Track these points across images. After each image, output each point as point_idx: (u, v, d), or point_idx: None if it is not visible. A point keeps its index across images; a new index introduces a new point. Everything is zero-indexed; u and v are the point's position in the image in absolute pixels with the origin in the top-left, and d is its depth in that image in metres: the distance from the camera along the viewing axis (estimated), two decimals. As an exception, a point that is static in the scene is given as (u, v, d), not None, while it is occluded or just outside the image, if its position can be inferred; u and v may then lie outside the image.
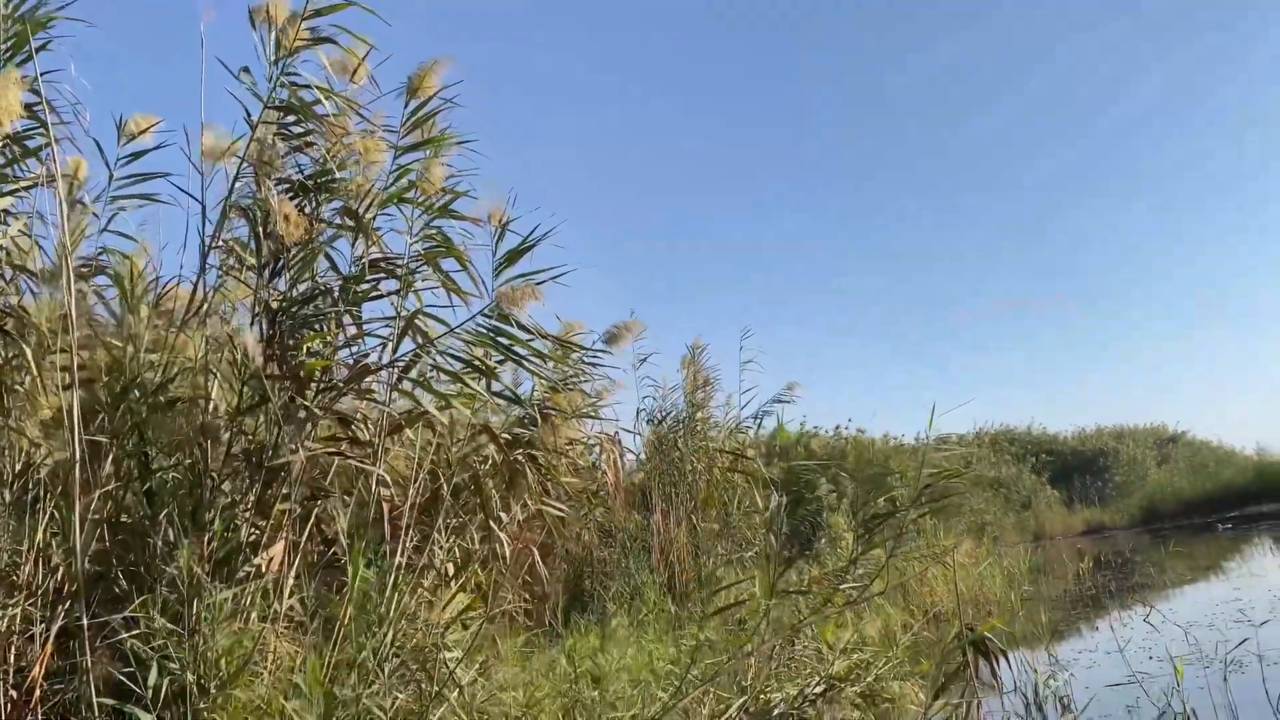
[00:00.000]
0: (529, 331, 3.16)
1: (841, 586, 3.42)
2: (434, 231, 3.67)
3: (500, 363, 3.55)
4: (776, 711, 3.49)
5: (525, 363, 3.35)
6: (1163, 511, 23.19)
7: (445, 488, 4.46)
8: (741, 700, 3.60)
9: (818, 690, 3.52)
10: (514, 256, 3.67)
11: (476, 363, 3.34)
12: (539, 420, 4.71)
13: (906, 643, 3.98)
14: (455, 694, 3.83)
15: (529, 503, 4.80)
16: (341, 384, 3.47)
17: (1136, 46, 36.80)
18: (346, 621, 3.45)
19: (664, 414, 11.78)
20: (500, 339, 3.12)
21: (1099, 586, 10.18)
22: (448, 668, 3.78)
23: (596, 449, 6.85)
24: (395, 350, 3.42)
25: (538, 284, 3.48)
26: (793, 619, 4.52)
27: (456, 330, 3.27)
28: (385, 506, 3.59)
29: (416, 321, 3.45)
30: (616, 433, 12.03)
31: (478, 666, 4.14)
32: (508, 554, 4.68)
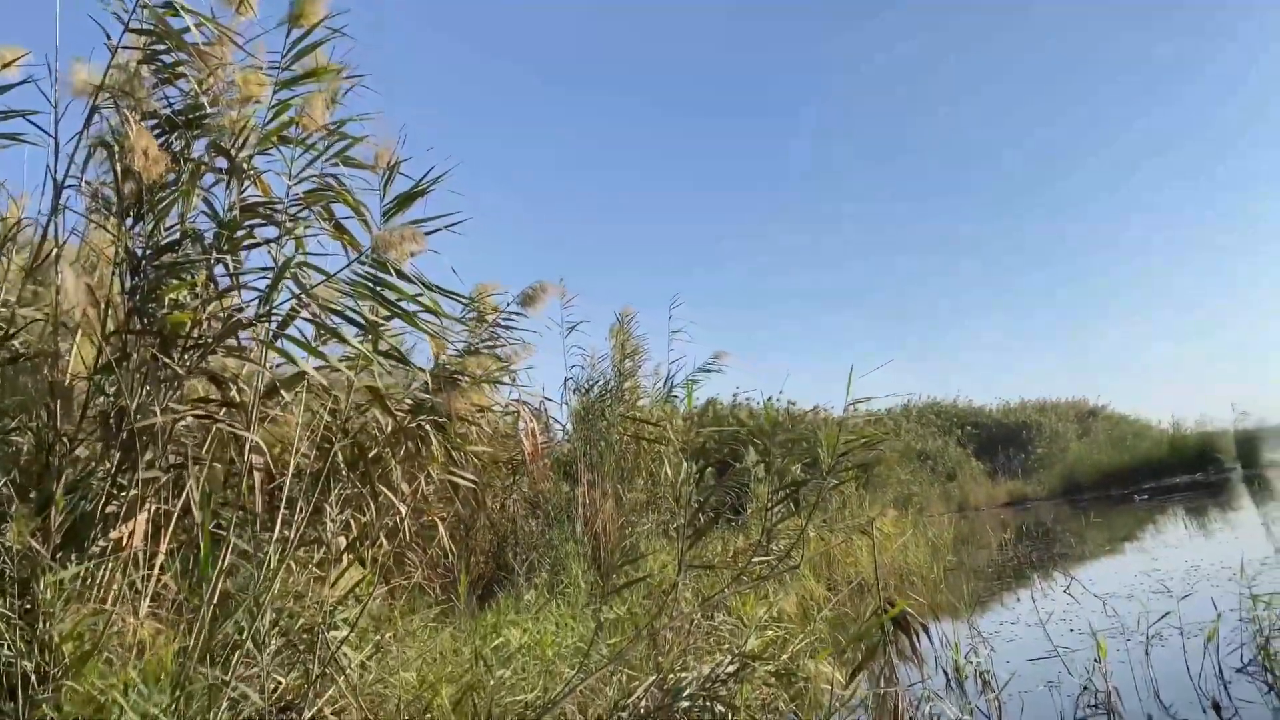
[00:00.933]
0: (411, 281, 2.85)
1: (757, 559, 3.21)
2: (318, 174, 3.33)
3: (387, 319, 3.23)
4: (687, 692, 3.28)
5: (414, 319, 3.03)
6: (1083, 483, 23.79)
7: (339, 456, 4.16)
8: (651, 680, 3.38)
9: (730, 669, 3.32)
10: (404, 201, 3.35)
11: (357, 316, 3.01)
12: (438, 385, 4.41)
13: (825, 616, 3.80)
14: (344, 676, 3.55)
15: (433, 473, 4.51)
16: (211, 340, 3.13)
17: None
18: (214, 600, 3.13)
19: (591, 383, 11.56)
20: (380, 289, 2.81)
21: (1021, 557, 10.27)
22: (339, 648, 3.49)
23: (515, 417, 6.56)
24: (268, 303, 3.08)
25: (429, 232, 3.18)
26: (710, 592, 4.32)
27: (332, 280, 2.94)
28: (259, 476, 3.26)
29: (296, 272, 3.12)
30: (541, 402, 11.77)
31: (372, 647, 3.86)
32: (408, 527, 4.39)
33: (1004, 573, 9.01)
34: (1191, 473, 21.78)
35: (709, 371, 11.89)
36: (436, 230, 3.29)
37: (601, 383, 11.47)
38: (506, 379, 4.96)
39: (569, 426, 11.37)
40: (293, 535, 3.94)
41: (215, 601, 3.15)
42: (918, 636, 3.99)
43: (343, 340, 3.01)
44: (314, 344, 3.25)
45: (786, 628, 3.59)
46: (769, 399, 29.55)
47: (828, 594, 6.82)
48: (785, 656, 3.38)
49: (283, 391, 3.26)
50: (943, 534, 12.16)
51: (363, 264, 2.87)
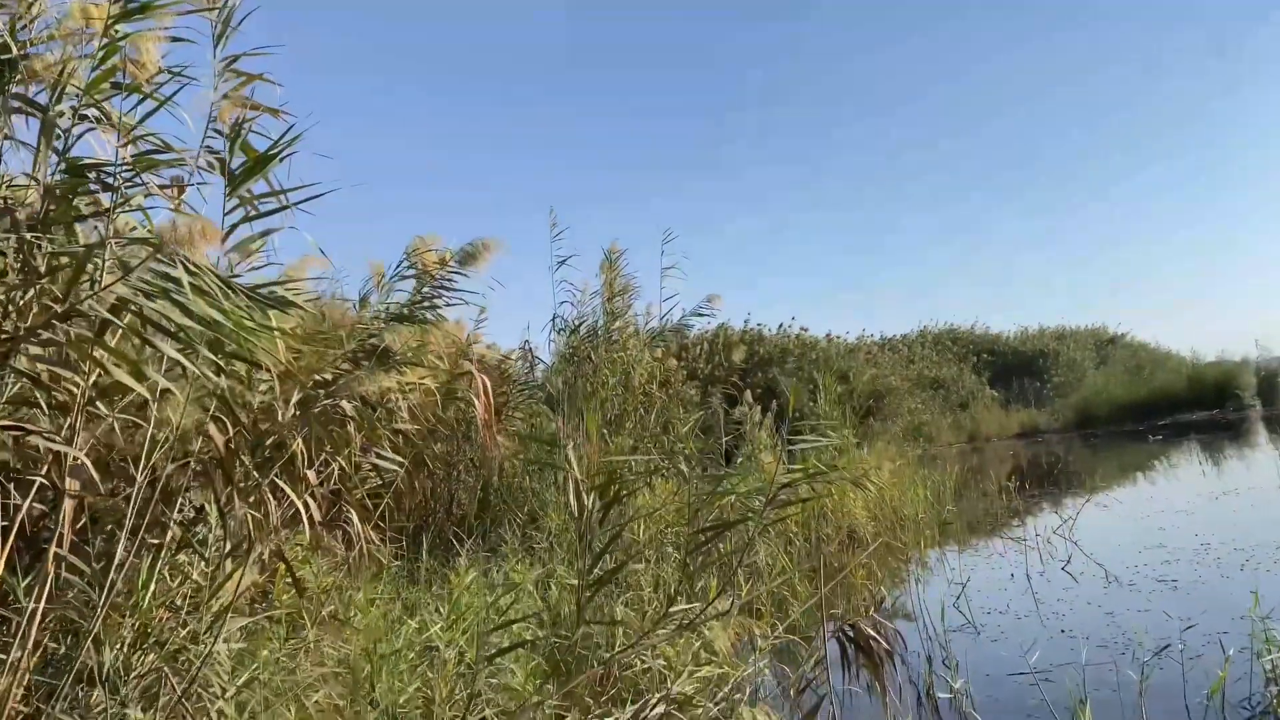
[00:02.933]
0: (213, 279, 2.27)
1: (675, 610, 2.71)
2: (152, 132, 2.75)
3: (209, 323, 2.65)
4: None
5: (238, 333, 2.43)
6: (1097, 416, 23.24)
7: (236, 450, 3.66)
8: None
9: (656, 713, 2.85)
10: (255, 168, 2.78)
11: (185, 322, 2.45)
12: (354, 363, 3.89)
13: (765, 649, 3.31)
14: (217, 707, 3.12)
15: (341, 463, 4.02)
16: (24, 333, 2.59)
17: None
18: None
19: (578, 322, 11.04)
20: (178, 295, 2.24)
21: (1024, 508, 9.80)
22: (198, 669, 3.06)
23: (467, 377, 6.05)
24: (70, 292, 2.52)
25: (271, 211, 2.61)
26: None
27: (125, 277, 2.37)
28: (69, 505, 2.74)
29: (121, 256, 2.56)
30: (525, 345, 11.23)
31: (259, 664, 3.43)
32: (316, 516, 3.92)
33: (1003, 524, 8.56)
34: (1209, 409, 21.17)
35: (701, 315, 11.33)
36: (288, 206, 2.73)
37: (589, 322, 10.95)
38: (421, 359, 4.39)
39: (554, 366, 10.92)
40: (167, 540, 3.50)
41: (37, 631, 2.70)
42: (885, 655, 3.50)
43: (152, 346, 2.46)
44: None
45: (722, 666, 3.11)
46: (780, 325, 28.88)
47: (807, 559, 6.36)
48: (715, 705, 2.90)
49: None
50: (946, 478, 11.66)
51: (161, 260, 2.31)
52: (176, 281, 2.03)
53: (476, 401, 5.70)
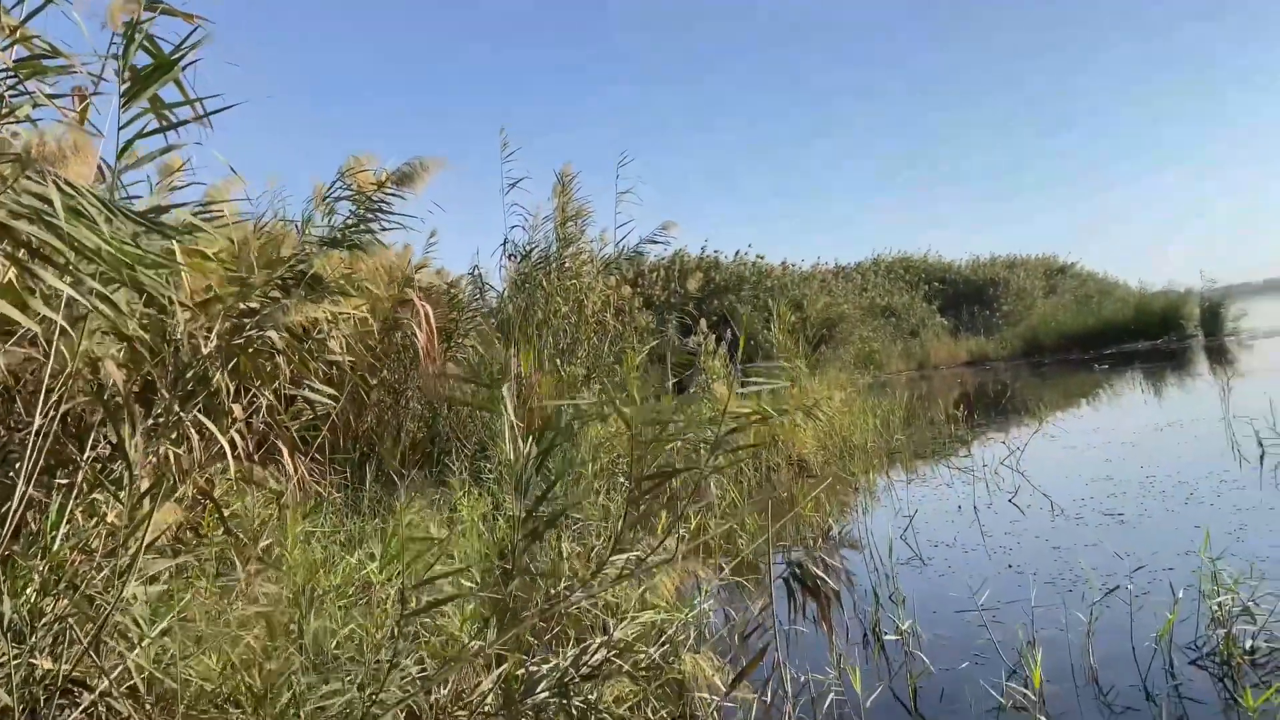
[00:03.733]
0: (92, 202, 2.01)
1: (615, 556, 2.58)
2: (36, 34, 2.45)
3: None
4: (541, 687, 2.72)
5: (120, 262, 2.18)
6: (1044, 345, 23.58)
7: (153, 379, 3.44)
8: (499, 673, 2.81)
9: (595, 659, 2.75)
10: (155, 73, 2.50)
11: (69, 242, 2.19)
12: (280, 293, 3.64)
13: (711, 590, 3.21)
14: (134, 654, 2.95)
15: (268, 397, 3.80)
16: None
17: None
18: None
19: (530, 248, 10.77)
20: (47, 219, 1.99)
21: (972, 436, 9.89)
22: (106, 617, 2.88)
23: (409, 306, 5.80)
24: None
25: (171, 125, 2.34)
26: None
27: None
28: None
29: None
30: (474, 270, 10.93)
31: (180, 608, 3.26)
32: (240, 451, 3.72)
33: (951, 453, 8.61)
34: (1153, 339, 21.58)
35: (655, 243, 11.12)
36: (202, 117, 2.46)
37: (542, 247, 10.69)
38: (349, 287, 4.13)
39: (505, 293, 10.70)
40: (79, 480, 3.29)
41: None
42: (833, 594, 3.44)
43: (30, 273, 2.21)
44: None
45: (664, 611, 3.01)
46: (737, 252, 28.70)
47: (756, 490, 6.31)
48: (656, 649, 2.81)
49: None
50: (895, 406, 11.72)
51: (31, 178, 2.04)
52: (49, 202, 1.79)
53: (418, 331, 5.47)
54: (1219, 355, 17.41)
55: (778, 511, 6.83)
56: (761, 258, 27.81)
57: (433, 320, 5.55)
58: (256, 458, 4.48)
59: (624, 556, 2.53)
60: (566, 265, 10.79)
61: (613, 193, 11.06)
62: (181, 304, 3.61)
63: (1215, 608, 3.12)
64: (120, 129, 2.53)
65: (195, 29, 2.98)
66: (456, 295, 9.92)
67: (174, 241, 3.08)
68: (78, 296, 2.06)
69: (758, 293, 25.87)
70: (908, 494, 6.91)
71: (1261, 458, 6.32)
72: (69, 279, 2.04)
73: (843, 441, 9.77)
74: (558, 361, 10.23)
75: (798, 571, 3.32)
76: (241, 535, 4.12)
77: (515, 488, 2.20)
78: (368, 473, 6.21)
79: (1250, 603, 3.16)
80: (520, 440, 2.31)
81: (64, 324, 2.34)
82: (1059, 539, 4.85)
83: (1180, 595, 3.26)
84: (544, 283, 10.47)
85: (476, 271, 10.72)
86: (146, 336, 2.85)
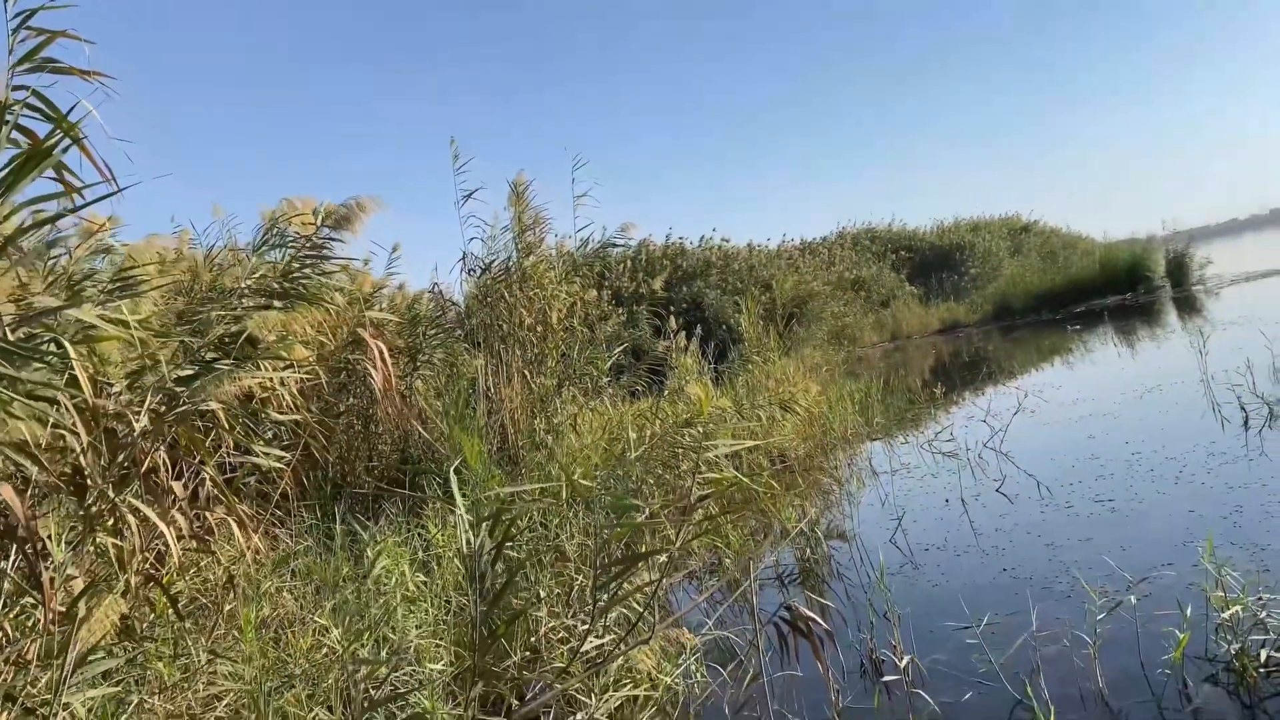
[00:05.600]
0: None
1: (589, 645, 2.37)
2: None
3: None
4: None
5: None
6: (1014, 307, 23.59)
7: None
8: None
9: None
10: (25, 168, 2.23)
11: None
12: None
13: (696, 649, 3.01)
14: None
15: (208, 473, 3.56)
16: None
17: None
18: None
19: (490, 259, 10.52)
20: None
21: (952, 414, 9.77)
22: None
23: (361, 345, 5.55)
24: None
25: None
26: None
27: None
28: None
29: None
30: (434, 286, 10.68)
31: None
32: (185, 531, 3.48)
33: (932, 434, 8.47)
34: (1122, 293, 21.64)
35: (615, 246, 10.89)
36: (73, 210, 2.21)
37: (501, 258, 10.44)
38: (282, 350, 3.88)
39: (467, 307, 10.47)
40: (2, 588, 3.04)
41: None
42: (826, 635, 3.27)
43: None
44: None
45: (641, 686, 2.80)
46: (703, 237, 28.53)
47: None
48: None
49: None
50: (873, 388, 11.60)
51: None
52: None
53: (374, 371, 5.24)
54: (1188, 307, 17.46)
55: (761, 513, 6.67)
56: (727, 240, 27.69)
57: (387, 358, 5.32)
58: (212, 523, 4.23)
59: (598, 642, 2.33)
60: (528, 276, 10.55)
61: (570, 190, 10.82)
62: (103, 382, 3.37)
63: (1225, 619, 2.97)
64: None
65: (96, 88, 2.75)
66: (419, 313, 9.70)
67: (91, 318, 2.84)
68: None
69: (725, 276, 25.74)
70: (893, 485, 6.77)
71: (1245, 422, 6.22)
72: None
73: (822, 434, 9.62)
74: (526, 374, 10.00)
75: (787, 615, 3.15)
76: (195, 618, 3.89)
77: (470, 581, 2.00)
78: (340, 506, 5.98)
79: (1259, 607, 3.01)
80: (474, 531, 2.09)
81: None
82: (1051, 534, 4.71)
83: (1187, 607, 3.10)
84: (505, 294, 10.22)
85: (436, 288, 10.49)
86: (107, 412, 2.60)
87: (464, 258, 10.21)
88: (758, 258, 27.85)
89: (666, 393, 10.56)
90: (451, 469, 2.09)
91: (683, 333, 11.91)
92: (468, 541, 2.03)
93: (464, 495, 5.26)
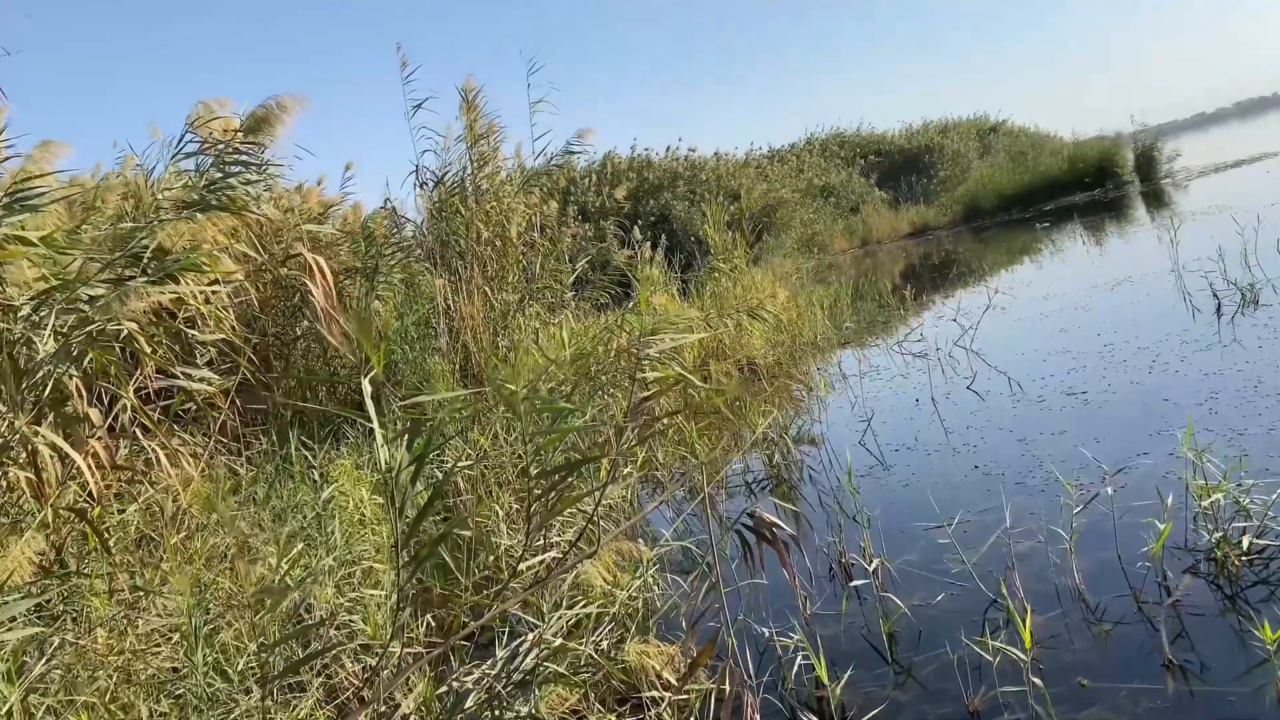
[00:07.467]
0: None
1: (525, 565, 2.19)
2: None
3: None
4: (469, 701, 2.37)
5: None
6: (984, 208, 23.40)
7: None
8: (417, 691, 2.44)
9: (528, 664, 2.39)
10: None
11: None
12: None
13: (633, 588, 2.83)
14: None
15: (127, 396, 3.30)
16: None
17: None
18: None
19: (443, 171, 10.10)
20: None
21: (921, 317, 9.63)
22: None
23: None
24: None
25: None
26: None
27: None
28: None
29: None
30: (387, 202, 10.33)
31: (46, 660, 2.84)
32: (102, 464, 3.24)
33: (902, 336, 8.32)
34: (1090, 190, 21.48)
35: (573, 153, 10.47)
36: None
37: (455, 171, 10.04)
38: (200, 263, 3.56)
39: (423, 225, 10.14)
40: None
41: None
42: (791, 539, 3.11)
43: None
44: None
45: (598, 601, 2.64)
46: (668, 147, 27.97)
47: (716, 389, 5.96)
48: (595, 641, 2.45)
49: None
50: (842, 293, 11.43)
51: None
52: None
53: (313, 288, 4.94)
54: (1157, 200, 17.33)
55: (729, 422, 6.51)
56: (694, 150, 27.10)
57: (328, 274, 5.02)
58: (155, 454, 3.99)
59: (537, 560, 2.15)
60: (484, 188, 10.17)
61: (525, 102, 10.37)
62: (5, 303, 3.09)
63: (1205, 507, 2.83)
64: None
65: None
66: (373, 231, 9.37)
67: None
68: None
69: (693, 187, 25.27)
70: (863, 388, 6.63)
71: (1218, 310, 6.10)
72: None
73: (792, 340, 9.45)
74: (487, 291, 9.71)
75: (750, 522, 2.98)
76: (145, 550, 3.68)
77: (389, 503, 1.79)
78: (295, 432, 5.76)
79: (1241, 493, 2.88)
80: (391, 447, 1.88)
81: None
82: (1023, 429, 4.58)
83: (1165, 496, 2.96)
84: (461, 209, 9.85)
85: (389, 204, 10.11)
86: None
87: (416, 170, 9.80)
88: (725, 167, 27.30)
89: (632, 305, 10.34)
90: (366, 379, 1.87)
91: (648, 244, 11.62)
92: (386, 461, 1.82)
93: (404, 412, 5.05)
